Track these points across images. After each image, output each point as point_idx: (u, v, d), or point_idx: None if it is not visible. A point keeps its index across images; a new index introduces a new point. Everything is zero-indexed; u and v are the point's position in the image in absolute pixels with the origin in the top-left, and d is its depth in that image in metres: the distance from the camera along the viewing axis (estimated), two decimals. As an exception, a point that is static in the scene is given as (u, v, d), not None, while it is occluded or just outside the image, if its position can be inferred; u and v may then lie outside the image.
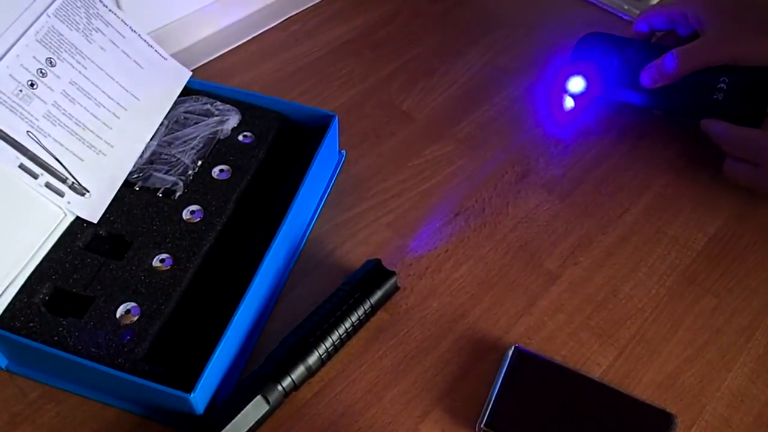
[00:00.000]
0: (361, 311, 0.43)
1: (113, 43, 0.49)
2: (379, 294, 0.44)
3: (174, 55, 0.54)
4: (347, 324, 0.43)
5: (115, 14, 0.50)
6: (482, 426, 0.40)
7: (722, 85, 0.52)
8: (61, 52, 0.46)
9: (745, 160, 0.50)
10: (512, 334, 0.46)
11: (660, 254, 0.51)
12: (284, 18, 0.67)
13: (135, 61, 0.50)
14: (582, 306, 0.47)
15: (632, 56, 0.55)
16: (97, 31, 0.48)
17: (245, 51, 0.64)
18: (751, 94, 0.51)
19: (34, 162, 0.43)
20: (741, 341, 0.46)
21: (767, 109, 0.51)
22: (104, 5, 0.49)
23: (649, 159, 0.57)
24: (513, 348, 0.43)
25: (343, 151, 0.55)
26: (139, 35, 0.51)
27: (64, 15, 0.46)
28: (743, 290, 0.49)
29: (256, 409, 0.39)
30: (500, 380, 0.42)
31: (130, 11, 0.56)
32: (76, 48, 0.47)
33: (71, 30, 0.47)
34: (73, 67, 0.46)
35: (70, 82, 0.46)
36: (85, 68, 0.47)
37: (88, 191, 0.45)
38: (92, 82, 0.47)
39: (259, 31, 0.65)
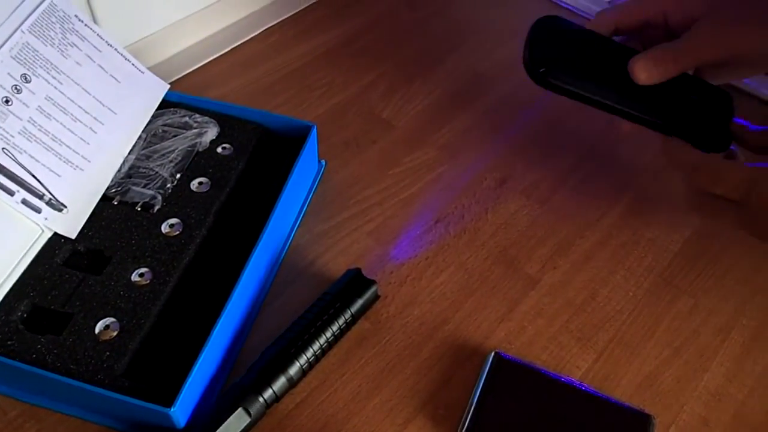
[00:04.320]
0: (341, 321, 0.44)
1: (89, 57, 0.49)
2: (359, 303, 0.44)
3: (152, 68, 0.54)
4: (328, 334, 0.43)
5: (90, 29, 0.50)
6: (463, 432, 0.40)
7: (694, 96, 0.44)
8: (36, 68, 0.46)
9: (720, 196, 0.41)
10: (493, 340, 0.46)
11: (637, 257, 0.51)
12: (263, 29, 0.67)
13: (112, 76, 0.50)
14: (561, 310, 0.48)
15: (596, 54, 0.44)
16: (72, 46, 0.48)
17: (224, 62, 0.64)
18: (715, 113, 0.44)
19: (10, 179, 0.43)
20: (717, 341, 0.47)
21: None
22: (80, 20, 0.49)
23: (627, 163, 0.57)
24: (493, 354, 0.43)
25: (323, 161, 0.56)
26: (115, 49, 0.51)
27: (39, 31, 0.46)
28: (719, 290, 0.49)
29: (237, 421, 0.39)
30: (480, 386, 0.42)
31: (107, 25, 0.56)
32: (52, 63, 0.47)
33: (46, 45, 0.46)
34: (49, 83, 0.46)
35: (45, 98, 0.46)
36: (61, 83, 0.47)
37: (65, 207, 0.45)
38: (68, 98, 0.47)
39: (238, 43, 0.65)
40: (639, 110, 0.43)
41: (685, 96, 0.44)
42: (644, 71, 0.42)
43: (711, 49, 0.42)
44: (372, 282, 0.46)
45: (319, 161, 0.55)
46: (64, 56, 0.48)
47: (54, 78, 0.47)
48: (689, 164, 0.42)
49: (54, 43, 0.47)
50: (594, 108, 0.44)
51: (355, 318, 0.45)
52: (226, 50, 0.64)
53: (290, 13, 0.69)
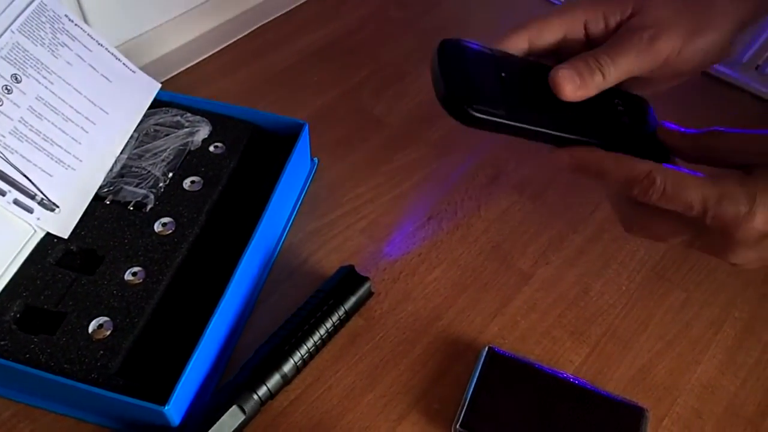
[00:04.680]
0: (335, 318, 0.44)
1: (80, 57, 0.49)
2: (352, 300, 0.45)
3: (144, 67, 0.54)
4: (321, 331, 0.43)
5: (81, 28, 0.50)
6: (457, 427, 0.40)
7: (620, 108, 0.37)
8: (27, 67, 0.46)
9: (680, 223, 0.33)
10: (486, 335, 0.46)
11: (629, 251, 0.51)
12: (255, 27, 0.67)
13: (103, 75, 0.50)
14: (554, 305, 0.48)
15: (518, 78, 0.35)
16: (63, 46, 0.48)
17: (215, 61, 0.64)
18: (643, 122, 0.38)
19: (1, 179, 0.43)
20: (710, 334, 0.47)
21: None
22: (70, 20, 0.49)
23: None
24: (486, 349, 0.44)
25: (316, 159, 0.56)
26: (106, 49, 0.51)
27: (29, 30, 0.46)
28: (711, 284, 0.50)
29: (231, 419, 0.39)
30: (474, 381, 0.42)
31: (98, 25, 0.56)
32: (42, 63, 0.47)
33: (36, 45, 0.46)
34: (40, 83, 0.46)
35: (36, 98, 0.46)
36: (52, 83, 0.47)
37: (57, 206, 0.45)
38: (59, 97, 0.47)
39: (229, 42, 0.65)
40: (576, 133, 0.35)
41: (612, 107, 0.37)
42: (570, 82, 0.34)
43: (645, 54, 0.36)
44: (365, 279, 0.46)
45: (312, 159, 0.55)
46: (54, 56, 0.47)
47: (45, 78, 0.47)
48: (636, 179, 0.33)
49: (44, 43, 0.47)
50: (524, 139, 0.35)
51: (349, 315, 0.45)
52: (218, 49, 0.64)
53: (280, 12, 0.69)
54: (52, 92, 0.47)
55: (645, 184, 0.32)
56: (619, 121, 0.37)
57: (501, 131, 0.34)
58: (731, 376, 0.45)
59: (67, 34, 0.49)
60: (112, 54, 0.51)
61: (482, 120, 0.33)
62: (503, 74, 0.35)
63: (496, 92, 0.34)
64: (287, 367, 0.41)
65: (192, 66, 0.63)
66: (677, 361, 0.46)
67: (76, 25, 0.49)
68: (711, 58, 0.38)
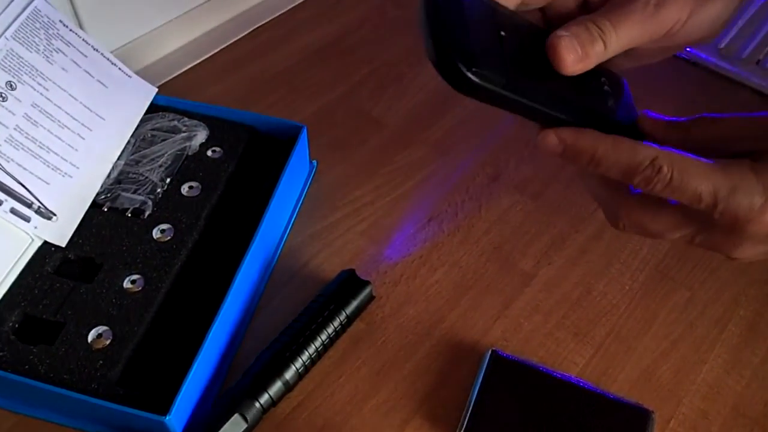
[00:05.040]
0: (336, 323, 0.43)
1: (75, 63, 0.49)
2: (354, 304, 0.44)
3: (140, 72, 0.53)
4: (323, 336, 0.43)
5: (76, 34, 0.49)
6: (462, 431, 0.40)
7: (606, 87, 0.31)
8: (22, 74, 0.45)
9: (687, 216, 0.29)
10: (489, 337, 0.46)
11: (632, 250, 0.51)
12: (253, 28, 0.67)
13: (99, 81, 0.50)
14: (557, 305, 0.48)
15: (512, 35, 0.29)
16: (58, 52, 0.48)
17: (212, 64, 0.63)
18: (624, 104, 0.32)
19: (-3, 188, 0.42)
20: (714, 333, 0.47)
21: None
22: (65, 25, 0.49)
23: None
24: (490, 352, 0.43)
25: (315, 161, 0.55)
26: (102, 54, 0.50)
27: (23, 37, 0.46)
28: (715, 282, 0.49)
29: (234, 427, 0.38)
30: (478, 385, 0.42)
31: (93, 30, 0.55)
32: (37, 70, 0.46)
33: (31, 52, 0.46)
34: (35, 90, 0.46)
35: (32, 105, 0.45)
36: (47, 90, 0.46)
37: (54, 215, 0.45)
38: (55, 104, 0.47)
39: (225, 44, 0.65)
40: (575, 114, 0.30)
41: (599, 87, 0.31)
42: (572, 52, 0.28)
43: (649, 22, 0.30)
44: (366, 283, 0.45)
45: (310, 162, 0.55)
46: (49, 62, 0.47)
47: (40, 84, 0.46)
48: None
49: (39, 49, 0.46)
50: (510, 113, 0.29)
51: (350, 319, 0.44)
52: (214, 52, 0.64)
53: (277, 14, 0.68)
54: (48, 99, 0.46)
55: (649, 173, 0.28)
56: (606, 105, 0.31)
57: (495, 103, 0.28)
58: (737, 375, 0.45)
59: (61, 40, 0.48)
60: (108, 59, 0.51)
61: (481, 88, 0.26)
62: (502, 33, 0.28)
63: (497, 54, 0.27)
64: (289, 374, 0.41)
65: (189, 69, 0.62)
66: (682, 361, 0.45)
67: (70, 30, 0.49)
68: (711, 32, 0.33)
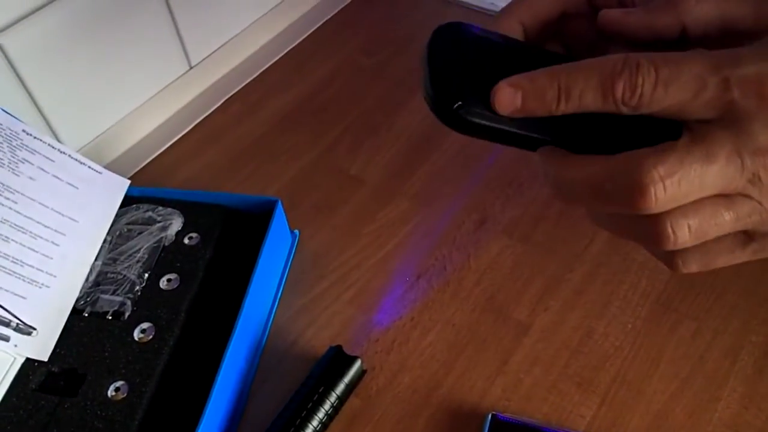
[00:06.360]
0: (327, 405, 0.42)
1: (42, 169, 0.49)
2: (343, 383, 0.43)
3: (116, 160, 0.53)
4: (314, 423, 0.41)
5: (40, 140, 0.49)
6: None
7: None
8: (-12, 192, 0.45)
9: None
10: (490, 398, 0.44)
11: (631, 283, 0.49)
12: (224, 99, 0.66)
13: (69, 183, 0.50)
14: (557, 355, 0.46)
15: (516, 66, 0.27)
16: (23, 162, 0.48)
17: (188, 141, 0.63)
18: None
19: (-28, 313, 0.42)
20: (727, 365, 0.44)
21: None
22: (28, 134, 0.49)
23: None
24: (490, 417, 0.41)
25: (296, 231, 0.54)
26: (69, 155, 0.50)
27: (-14, 154, 0.46)
28: (722, 308, 0.47)
29: None
30: (479, 456, 0.40)
31: (63, 129, 0.56)
32: (4, 184, 0.46)
33: (-5, 168, 0.46)
34: (3, 205, 0.46)
35: (1, 221, 0.45)
36: (16, 203, 0.46)
37: (34, 329, 0.44)
38: (25, 216, 0.47)
39: (200, 119, 0.65)
40: (574, 141, 0.28)
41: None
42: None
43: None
44: (355, 358, 0.44)
45: (292, 232, 0.54)
46: (15, 174, 0.47)
47: (7, 199, 0.46)
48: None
49: (3, 163, 0.47)
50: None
51: (342, 399, 0.43)
52: (187, 130, 0.64)
53: (247, 80, 0.68)
54: (17, 212, 0.46)
55: (628, 74, 0.23)
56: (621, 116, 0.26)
57: (492, 138, 0.28)
58: (755, 409, 0.42)
59: (26, 149, 0.48)
60: (76, 159, 0.51)
61: (472, 124, 0.27)
62: (502, 64, 0.27)
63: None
64: (283, 468, 0.39)
65: (163, 151, 0.62)
66: (695, 400, 0.43)
67: (35, 138, 0.49)
68: None
